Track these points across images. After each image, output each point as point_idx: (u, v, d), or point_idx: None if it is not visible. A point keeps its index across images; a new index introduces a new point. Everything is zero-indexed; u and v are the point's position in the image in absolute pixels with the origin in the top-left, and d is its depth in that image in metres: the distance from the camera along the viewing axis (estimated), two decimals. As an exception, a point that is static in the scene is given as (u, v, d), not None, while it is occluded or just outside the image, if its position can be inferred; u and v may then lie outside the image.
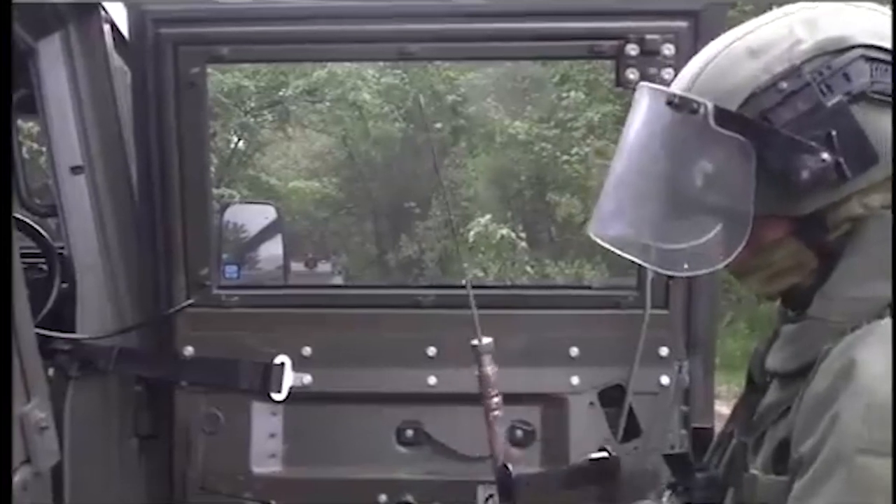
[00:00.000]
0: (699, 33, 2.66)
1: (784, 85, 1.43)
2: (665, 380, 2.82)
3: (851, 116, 1.40)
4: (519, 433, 2.91)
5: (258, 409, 2.94)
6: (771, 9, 1.56)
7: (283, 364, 2.91)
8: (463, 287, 2.68)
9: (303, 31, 2.83)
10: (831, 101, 1.40)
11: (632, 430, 2.86)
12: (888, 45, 1.43)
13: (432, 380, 2.88)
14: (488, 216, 22.02)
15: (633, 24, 2.69)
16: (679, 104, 1.47)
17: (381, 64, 29.65)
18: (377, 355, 2.91)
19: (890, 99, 1.40)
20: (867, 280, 1.42)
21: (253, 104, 26.54)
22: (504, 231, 21.60)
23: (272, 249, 4.69)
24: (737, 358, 11.04)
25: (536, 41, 2.84)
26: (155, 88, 2.79)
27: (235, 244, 4.72)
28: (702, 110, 1.44)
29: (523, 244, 21.87)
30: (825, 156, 1.39)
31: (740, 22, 1.57)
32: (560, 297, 3.15)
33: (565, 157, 21.59)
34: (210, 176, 3.03)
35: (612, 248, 1.57)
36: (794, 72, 1.43)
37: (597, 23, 2.73)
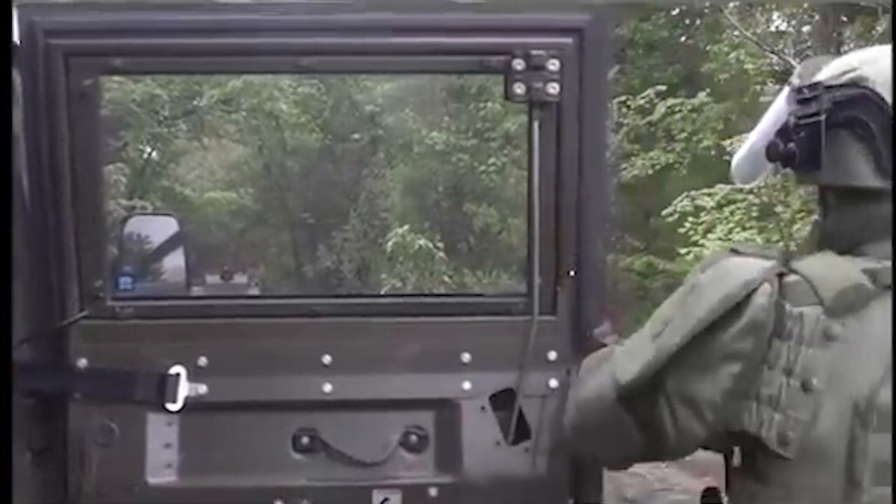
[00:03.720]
0: (584, 49, 2.75)
1: (806, 92, 1.93)
2: (553, 383, 2.87)
3: (820, 133, 1.86)
4: (413, 438, 2.92)
5: (153, 420, 2.92)
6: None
7: (178, 374, 2.89)
8: (357, 296, 2.70)
9: (195, 43, 2.82)
10: (818, 117, 1.87)
11: (522, 433, 2.90)
12: (887, 95, 1.83)
13: (328, 387, 2.89)
14: (406, 226, 22.06)
15: (519, 40, 2.75)
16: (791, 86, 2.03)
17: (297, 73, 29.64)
18: (272, 364, 2.90)
19: (865, 132, 1.83)
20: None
21: (167, 114, 26.34)
22: (422, 241, 21.64)
23: (174, 261, 4.66)
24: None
25: (428, 55, 2.87)
26: (46, 100, 2.77)
27: (137, 255, 4.69)
28: (788, 92, 2.04)
29: (441, 254, 21.91)
30: (790, 145, 1.93)
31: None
32: (452, 304, 3.17)
33: (483, 168, 21.74)
34: (103, 187, 3.00)
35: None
36: (815, 85, 1.91)
37: (486, 38, 2.79)
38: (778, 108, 2.08)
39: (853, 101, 1.85)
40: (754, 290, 1.81)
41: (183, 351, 2.91)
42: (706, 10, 21.51)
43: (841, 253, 1.89)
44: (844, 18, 19.04)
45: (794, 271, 1.84)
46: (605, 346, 2.42)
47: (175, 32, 2.83)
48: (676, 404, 1.89)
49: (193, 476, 2.94)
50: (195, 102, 26.65)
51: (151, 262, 4.77)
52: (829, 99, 1.87)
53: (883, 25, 17.01)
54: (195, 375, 2.91)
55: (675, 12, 23.93)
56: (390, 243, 21.91)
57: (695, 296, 1.88)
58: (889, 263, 1.81)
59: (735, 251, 1.92)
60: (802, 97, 1.93)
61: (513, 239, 21.80)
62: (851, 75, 1.87)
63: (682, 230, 16.31)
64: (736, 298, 1.80)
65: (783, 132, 1.96)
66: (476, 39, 2.80)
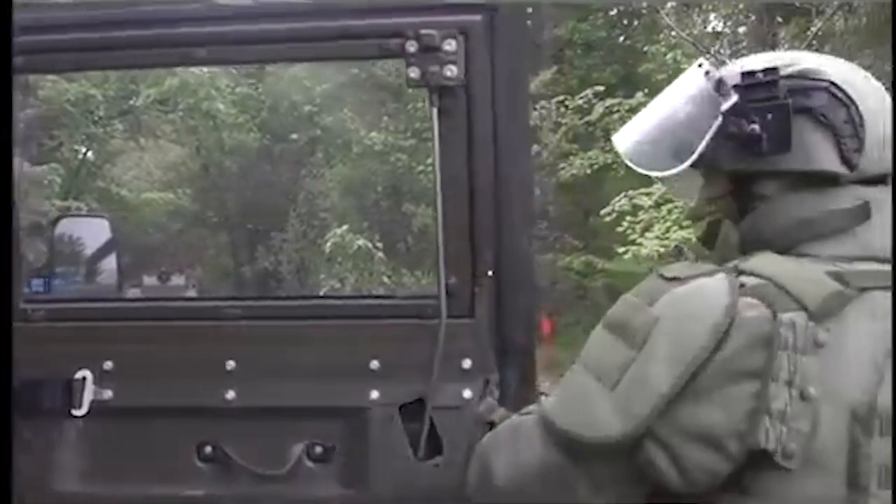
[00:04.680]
0: (495, 28, 2.58)
1: (761, 76, 1.91)
2: (468, 393, 2.64)
3: (789, 116, 1.86)
4: (318, 449, 2.76)
5: (58, 426, 2.84)
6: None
7: (84, 379, 2.82)
8: (262, 298, 2.58)
9: (90, 38, 2.73)
10: (783, 101, 1.87)
11: (433, 447, 2.68)
12: (850, 90, 1.89)
13: (230, 394, 2.77)
14: (345, 227, 22.01)
15: (412, 20, 2.59)
16: (703, 68, 2.02)
17: (234, 72, 29.51)
18: (176, 369, 2.79)
19: (827, 122, 1.87)
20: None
21: (102, 113, 26.07)
22: (361, 241, 21.59)
23: (107, 263, 4.59)
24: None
25: (324, 41, 2.72)
26: None
27: (68, 257, 4.61)
28: (711, 75, 1.99)
29: (380, 254, 21.87)
30: (756, 127, 1.88)
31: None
32: (360, 306, 3.02)
33: (421, 168, 21.72)
34: (12, 189, 2.92)
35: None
36: (773, 70, 1.91)
37: (382, 20, 2.63)
38: (699, 93, 2.01)
39: (812, 91, 1.90)
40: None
41: (90, 354, 2.82)
42: (644, 11, 21.69)
43: (780, 253, 1.86)
44: (780, 19, 19.25)
45: (758, 276, 1.78)
46: (492, 423, 2.24)
47: (70, 28, 2.75)
48: (681, 447, 1.75)
49: (97, 483, 2.83)
50: (131, 102, 26.42)
51: (83, 264, 4.70)
52: (787, 86, 1.89)
53: (818, 25, 17.23)
54: (101, 380, 2.83)
55: (613, 13, 24.09)
56: (329, 244, 21.85)
57: (663, 335, 1.76)
58: (856, 266, 1.83)
59: (666, 277, 1.83)
60: (755, 82, 1.91)
61: (452, 239, 21.78)
62: (800, 68, 1.93)
63: (620, 229, 16.42)
64: (724, 326, 1.72)
65: (738, 115, 1.91)
66: (372, 21, 2.64)
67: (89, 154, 27.62)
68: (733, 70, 1.98)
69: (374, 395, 2.72)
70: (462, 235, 2.68)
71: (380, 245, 21.94)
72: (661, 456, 1.76)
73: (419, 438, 2.67)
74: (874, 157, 1.89)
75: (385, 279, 21.93)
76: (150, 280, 27.46)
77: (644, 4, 20.47)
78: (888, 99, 1.96)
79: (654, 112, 2.10)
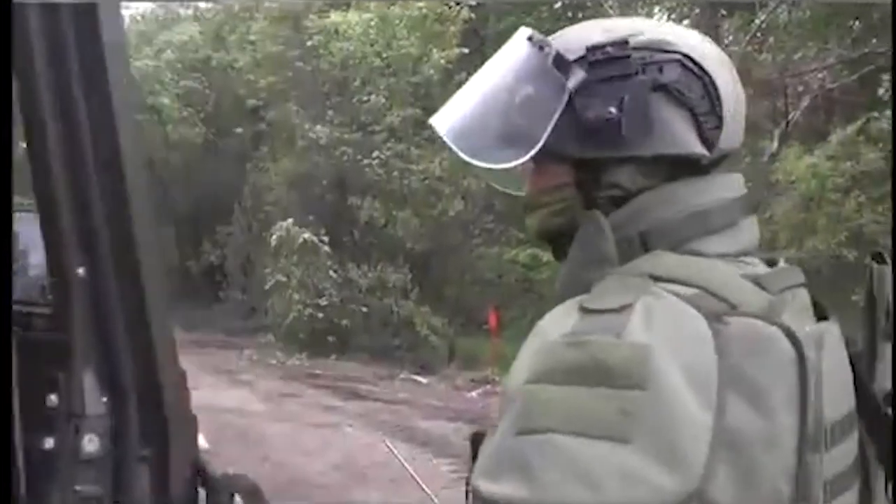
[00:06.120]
0: None
1: (610, 50, 1.65)
2: (50, 442, 1.95)
3: (647, 94, 1.63)
4: None
5: None
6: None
7: None
8: None
9: None
10: (639, 78, 1.63)
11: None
12: (703, 62, 1.67)
13: None
14: (290, 220, 21.99)
15: None
16: (534, 41, 1.73)
17: (179, 67, 29.36)
18: None
19: (684, 98, 1.64)
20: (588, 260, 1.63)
21: (45, 107, 25.86)
22: (306, 235, 21.60)
23: (36, 258, 4.53)
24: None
25: None
26: None
27: None
28: (547, 50, 1.70)
29: (326, 248, 21.87)
30: (613, 110, 1.62)
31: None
32: None
33: (366, 161, 21.72)
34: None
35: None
36: (622, 43, 1.65)
37: None
38: (535, 70, 1.73)
39: (665, 64, 1.66)
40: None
41: None
42: (588, 4, 21.78)
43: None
44: (723, 12, 19.42)
45: (684, 283, 1.49)
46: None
47: None
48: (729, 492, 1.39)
49: None
50: (74, 96, 26.22)
51: (15, 260, 4.64)
52: (638, 60, 1.65)
53: (761, 18, 17.38)
54: None
55: (557, 5, 24.20)
56: (274, 237, 21.82)
57: (668, 361, 1.36)
58: (764, 267, 1.64)
59: (594, 309, 1.44)
60: (603, 56, 1.65)
61: (398, 232, 21.81)
62: (646, 38, 1.68)
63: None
64: (709, 340, 1.39)
65: (589, 96, 1.65)
66: None
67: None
68: (573, 43, 1.70)
69: None
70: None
71: (325, 239, 21.92)
72: None
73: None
74: (729, 135, 1.69)
75: (331, 273, 21.92)
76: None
77: (588, -3, 20.57)
78: (733, 70, 1.75)
79: (479, 91, 1.80)
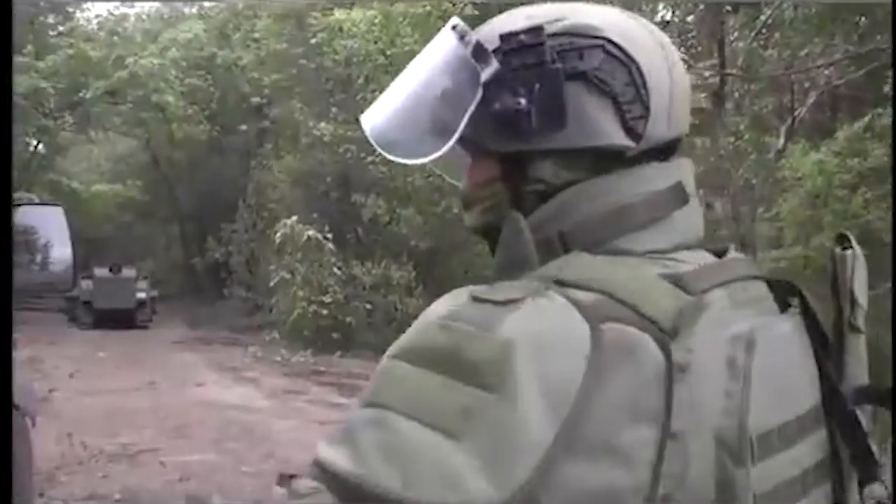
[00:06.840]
0: None
1: (523, 38, 1.55)
2: None
3: (561, 83, 1.53)
4: None
5: None
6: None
7: None
8: None
9: None
10: (552, 66, 1.53)
11: None
12: (630, 47, 1.56)
13: None
14: (295, 217, 21.96)
15: None
16: (457, 31, 1.63)
17: (184, 64, 29.37)
18: None
19: (605, 86, 1.53)
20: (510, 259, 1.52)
21: (52, 106, 25.91)
22: (310, 232, 21.58)
23: (62, 253, 4.53)
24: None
25: None
26: None
27: (20, 246, 4.55)
28: (467, 39, 1.60)
29: (330, 245, 21.86)
30: (522, 101, 1.52)
31: None
32: None
33: (370, 159, 21.67)
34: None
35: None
36: (536, 30, 1.55)
37: None
38: (456, 61, 1.65)
39: (585, 50, 1.56)
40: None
41: None
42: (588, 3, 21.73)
43: (588, 252, 1.51)
44: (728, 9, 19.38)
45: (588, 289, 1.39)
46: None
47: None
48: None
49: None
50: (81, 94, 26.24)
51: (38, 254, 4.64)
52: (556, 47, 1.55)
53: (766, 14, 17.34)
54: None
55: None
56: (279, 235, 21.80)
57: (526, 369, 1.28)
58: (681, 262, 1.51)
59: (484, 299, 1.36)
60: (516, 45, 1.57)
61: (402, 229, 21.81)
62: (567, 23, 1.58)
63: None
64: (585, 350, 1.31)
65: (501, 87, 1.57)
66: None
67: (40, 147, 27.46)
68: (492, 32, 1.61)
69: None
70: None
71: (329, 236, 21.91)
72: None
73: None
74: (662, 124, 1.57)
75: (336, 270, 21.93)
76: (101, 272, 27.43)
77: (592, -6, 20.52)
78: (676, 53, 1.64)
79: (406, 84, 1.73)
